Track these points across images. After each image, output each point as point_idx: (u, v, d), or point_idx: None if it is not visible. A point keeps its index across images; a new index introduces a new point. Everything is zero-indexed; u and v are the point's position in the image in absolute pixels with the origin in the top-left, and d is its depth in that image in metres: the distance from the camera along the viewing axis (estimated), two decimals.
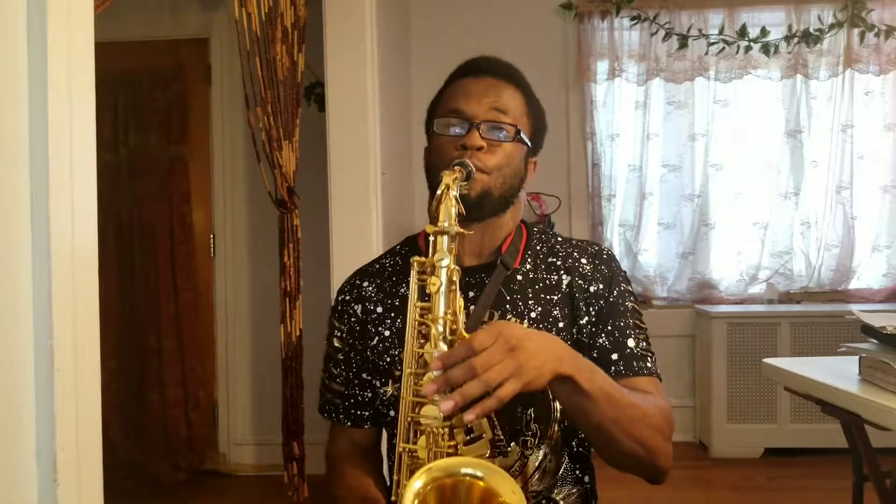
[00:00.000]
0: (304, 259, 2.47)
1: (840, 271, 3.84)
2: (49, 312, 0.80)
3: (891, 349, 1.65)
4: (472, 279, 1.16)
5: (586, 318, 1.15)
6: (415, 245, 1.26)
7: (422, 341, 0.97)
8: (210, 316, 3.70)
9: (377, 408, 1.21)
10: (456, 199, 0.99)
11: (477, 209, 1.12)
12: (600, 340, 1.14)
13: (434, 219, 1.00)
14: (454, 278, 0.97)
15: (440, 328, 0.94)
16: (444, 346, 0.93)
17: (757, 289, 3.89)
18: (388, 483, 1.16)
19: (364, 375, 1.21)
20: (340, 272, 2.53)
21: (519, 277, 1.18)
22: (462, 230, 0.99)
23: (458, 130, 1.14)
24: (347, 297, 1.24)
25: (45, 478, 0.79)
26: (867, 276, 3.88)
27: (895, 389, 1.58)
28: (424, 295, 0.98)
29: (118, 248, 3.65)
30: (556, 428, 1.13)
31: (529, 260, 1.20)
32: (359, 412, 1.23)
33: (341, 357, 1.23)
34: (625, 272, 1.22)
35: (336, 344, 1.24)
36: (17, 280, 0.79)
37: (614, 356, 1.13)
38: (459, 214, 1.01)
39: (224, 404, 3.70)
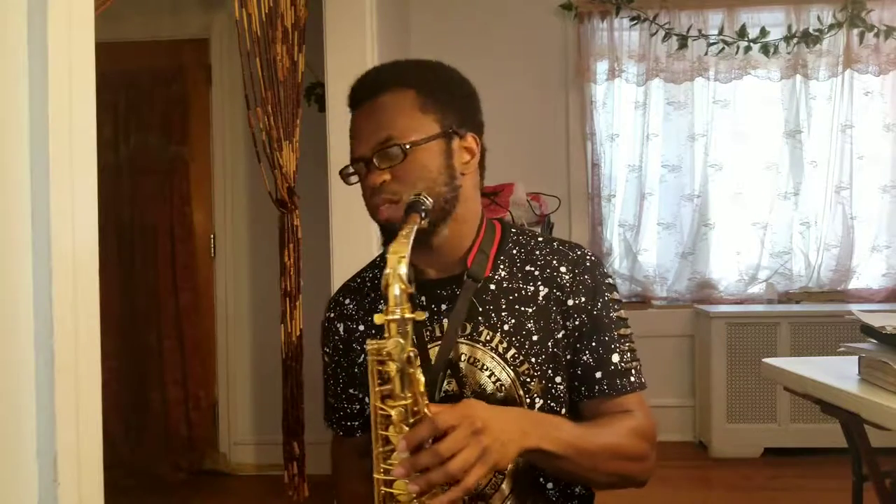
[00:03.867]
0: (305, 259, 2.47)
1: (839, 271, 3.84)
2: (50, 312, 0.80)
3: (890, 349, 1.65)
4: (442, 291, 1.11)
5: (563, 332, 1.10)
6: None
7: (385, 423, 0.94)
8: (210, 316, 3.71)
9: (366, 418, 1.21)
10: (401, 279, 0.90)
11: (419, 238, 1.02)
12: (584, 358, 1.11)
13: (385, 300, 0.92)
14: (412, 358, 0.92)
15: (402, 411, 0.92)
16: (406, 429, 0.92)
17: (756, 289, 3.89)
18: None
19: (351, 390, 1.21)
20: (340, 272, 2.54)
21: (492, 287, 1.12)
22: (413, 316, 0.91)
23: (361, 176, 1.10)
24: (332, 315, 1.23)
25: (46, 478, 0.79)
26: (866, 276, 3.87)
27: (894, 389, 1.59)
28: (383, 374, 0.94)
29: (119, 248, 3.65)
30: None
31: (503, 267, 1.13)
32: (348, 423, 1.24)
33: (330, 371, 1.25)
34: (610, 278, 1.16)
35: (325, 359, 1.26)
36: (18, 280, 0.79)
37: (598, 374, 1.10)
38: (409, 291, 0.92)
39: (224, 404, 3.70)
